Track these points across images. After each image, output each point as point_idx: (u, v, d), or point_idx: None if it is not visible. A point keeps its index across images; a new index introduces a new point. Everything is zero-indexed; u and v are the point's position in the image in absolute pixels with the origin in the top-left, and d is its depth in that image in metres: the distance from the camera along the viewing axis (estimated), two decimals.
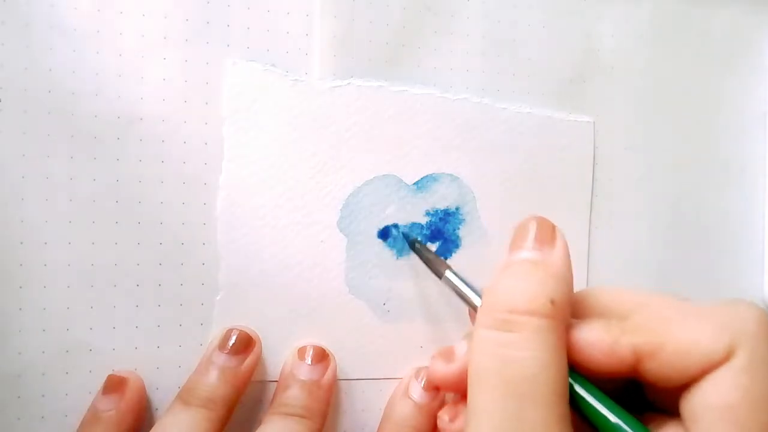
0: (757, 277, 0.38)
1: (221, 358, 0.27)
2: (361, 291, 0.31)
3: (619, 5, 0.35)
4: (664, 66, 0.36)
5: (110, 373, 0.27)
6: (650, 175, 0.36)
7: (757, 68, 0.38)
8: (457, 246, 0.32)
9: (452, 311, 0.31)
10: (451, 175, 0.32)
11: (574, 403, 0.19)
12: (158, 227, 0.28)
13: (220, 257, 0.29)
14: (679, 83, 0.37)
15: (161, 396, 0.28)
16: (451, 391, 0.24)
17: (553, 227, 0.22)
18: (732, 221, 0.37)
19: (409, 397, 0.29)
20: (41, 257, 0.27)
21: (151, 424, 0.27)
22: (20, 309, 0.27)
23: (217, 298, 0.29)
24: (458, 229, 0.32)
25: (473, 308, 0.25)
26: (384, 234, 0.31)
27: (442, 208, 0.32)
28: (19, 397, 0.27)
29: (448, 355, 0.23)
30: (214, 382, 0.26)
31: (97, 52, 0.28)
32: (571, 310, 0.21)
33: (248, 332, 0.28)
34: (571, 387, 0.19)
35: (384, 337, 0.31)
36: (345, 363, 0.30)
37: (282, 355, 0.29)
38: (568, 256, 0.21)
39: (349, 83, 0.31)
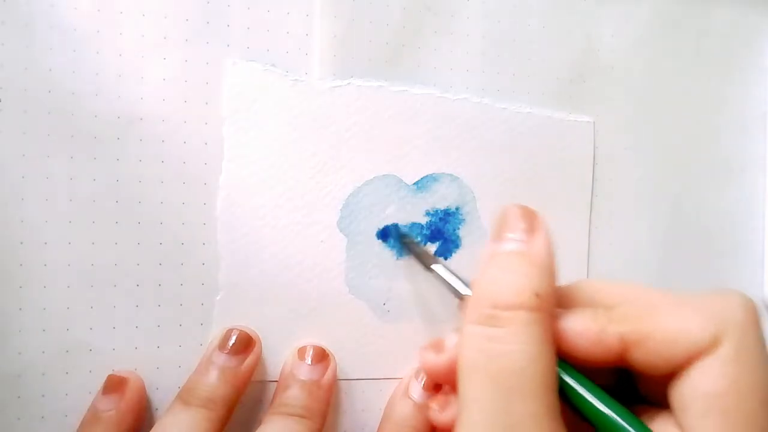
0: (757, 277, 0.38)
1: (221, 358, 0.27)
2: (361, 291, 0.31)
3: (619, 5, 0.35)
4: (664, 66, 0.36)
5: (110, 373, 0.27)
6: (650, 175, 0.36)
7: (757, 68, 0.38)
8: (457, 246, 0.32)
9: (452, 311, 0.31)
10: (451, 175, 0.32)
11: (564, 394, 0.20)
12: (158, 227, 0.28)
13: (220, 257, 0.29)
14: (679, 83, 0.37)
15: (161, 396, 0.28)
16: (440, 382, 0.24)
17: (534, 214, 0.22)
18: (732, 221, 0.37)
19: (409, 397, 0.29)
20: (41, 257, 0.27)
21: (151, 424, 0.27)
22: (20, 309, 0.27)
23: (217, 298, 0.29)
24: (458, 229, 0.32)
25: (461, 299, 0.25)
26: (384, 235, 0.31)
27: (442, 208, 0.32)
28: (19, 397, 0.27)
29: (437, 346, 0.24)
30: (214, 382, 0.26)
31: (97, 52, 0.28)
32: (556, 300, 0.21)
33: (248, 332, 0.28)
34: (560, 378, 0.20)
35: (384, 337, 0.31)
36: (345, 363, 0.30)
37: (282, 355, 0.29)
38: (551, 243, 0.21)
39: (349, 83, 0.31)
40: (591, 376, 0.20)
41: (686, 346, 0.18)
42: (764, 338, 0.19)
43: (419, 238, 0.31)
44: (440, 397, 0.25)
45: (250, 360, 0.28)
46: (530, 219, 0.22)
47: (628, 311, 0.20)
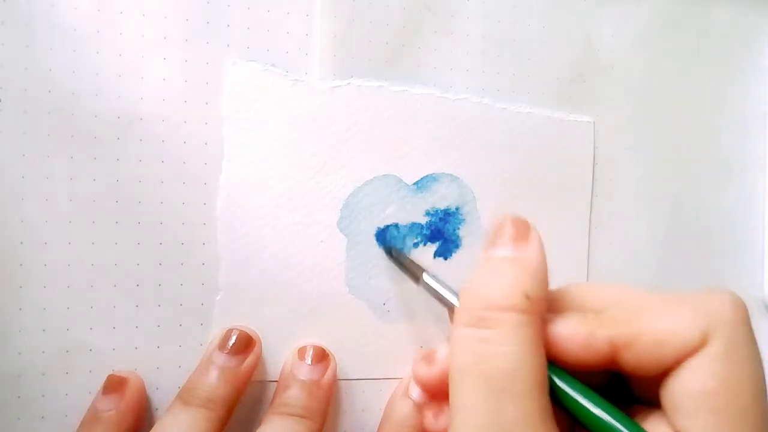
0: (757, 277, 0.38)
1: (221, 358, 0.27)
2: (361, 291, 0.31)
3: (619, 5, 0.35)
4: (664, 66, 0.36)
5: (110, 373, 0.27)
6: (650, 175, 0.36)
7: (757, 68, 0.38)
8: (457, 246, 0.32)
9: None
10: (451, 175, 0.32)
11: (555, 396, 0.20)
12: (158, 227, 0.28)
13: (220, 257, 0.29)
14: (679, 83, 0.37)
15: (161, 396, 0.28)
16: (434, 393, 0.24)
17: (528, 224, 0.22)
18: (732, 221, 0.37)
19: (409, 397, 0.29)
20: (41, 257, 0.27)
21: (151, 424, 0.27)
22: (20, 309, 0.27)
23: (217, 298, 0.29)
24: (458, 229, 0.32)
25: (451, 309, 0.25)
26: (383, 240, 0.31)
27: (442, 208, 0.32)
28: (19, 397, 0.27)
29: (429, 358, 0.24)
30: (214, 382, 0.26)
31: (97, 52, 0.28)
32: (547, 305, 0.21)
33: (248, 332, 0.28)
34: (551, 381, 0.20)
35: (384, 337, 0.31)
36: (345, 363, 0.30)
37: (282, 355, 0.29)
38: (543, 251, 0.21)
39: (349, 83, 0.31)
40: (582, 377, 0.20)
41: (675, 346, 0.18)
42: (754, 335, 0.19)
43: (418, 239, 0.31)
44: (434, 404, 0.25)
45: (250, 360, 0.28)
46: (523, 228, 0.22)
47: (617, 314, 0.20)
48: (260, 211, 0.29)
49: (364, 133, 0.31)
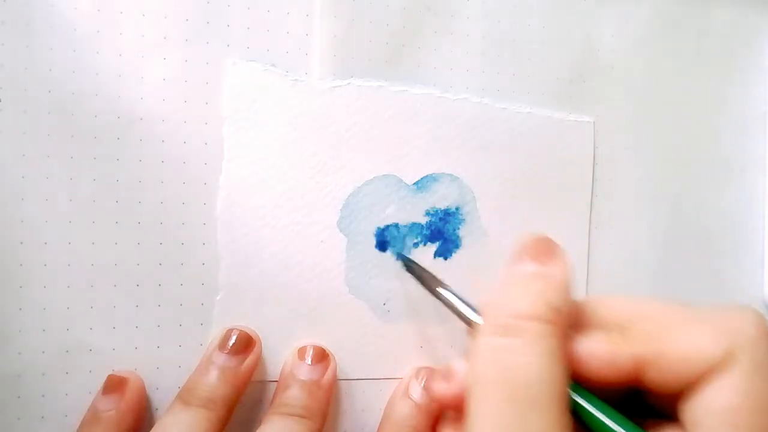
0: (757, 277, 0.38)
1: (221, 358, 0.27)
2: (361, 291, 0.31)
3: (619, 5, 0.35)
4: (664, 66, 0.36)
5: (110, 373, 0.27)
6: (650, 175, 0.36)
7: (757, 68, 0.38)
8: (457, 246, 0.32)
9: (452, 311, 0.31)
10: (451, 175, 0.32)
11: (576, 414, 0.19)
12: (158, 227, 0.28)
13: (220, 257, 0.29)
14: (679, 83, 0.37)
15: (161, 396, 0.28)
16: (453, 410, 0.24)
17: (552, 242, 0.22)
18: (732, 221, 0.37)
19: (409, 397, 0.29)
20: (41, 257, 0.27)
21: (151, 424, 0.27)
22: (20, 309, 0.27)
23: (217, 298, 0.29)
24: (458, 229, 0.32)
25: (468, 324, 0.24)
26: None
27: (442, 208, 0.32)
28: (19, 397, 0.27)
29: (447, 373, 0.23)
30: (214, 382, 0.26)
31: (97, 52, 0.28)
32: (571, 320, 0.21)
33: (248, 332, 0.28)
34: (572, 398, 0.19)
35: (384, 337, 0.31)
36: (345, 363, 0.30)
37: (282, 355, 0.29)
38: (569, 270, 0.21)
39: (349, 83, 0.31)
40: (599, 388, 0.20)
41: (699, 364, 0.18)
42: None
43: (418, 239, 0.31)
44: (450, 424, 0.24)
45: (250, 360, 0.28)
46: (548, 245, 0.22)
47: (641, 331, 0.20)
48: (260, 211, 0.29)
49: (364, 133, 0.31)
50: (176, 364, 0.28)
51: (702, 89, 0.37)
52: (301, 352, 0.29)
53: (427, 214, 0.32)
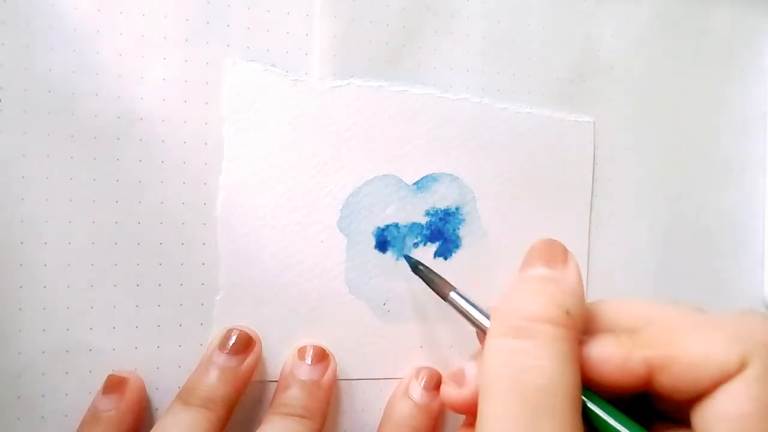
0: (757, 277, 0.38)
1: (221, 358, 0.27)
2: (361, 291, 0.31)
3: (619, 5, 0.35)
4: (664, 66, 0.36)
5: (110, 373, 0.27)
6: (650, 175, 0.36)
7: (757, 68, 0.38)
8: (457, 246, 0.32)
9: (453, 312, 0.31)
10: (451, 175, 0.32)
11: (587, 419, 0.19)
12: (158, 227, 0.28)
13: (220, 257, 0.29)
14: (679, 83, 0.37)
15: (161, 396, 0.28)
16: (465, 414, 0.23)
17: (564, 248, 0.22)
18: (732, 221, 0.37)
19: (409, 397, 0.29)
20: (41, 257, 0.27)
21: (151, 424, 0.27)
22: (20, 309, 0.27)
23: (217, 298, 0.29)
24: (458, 229, 0.32)
25: (480, 329, 0.24)
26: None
27: (442, 208, 0.32)
28: (19, 397, 0.27)
29: (458, 378, 0.23)
30: (214, 382, 0.26)
31: (97, 52, 0.28)
32: (584, 324, 0.20)
33: (248, 332, 0.28)
34: (583, 403, 0.19)
35: (384, 337, 0.31)
36: (345, 363, 0.30)
37: (282, 355, 0.29)
38: (581, 275, 0.21)
39: (349, 83, 0.31)
40: (608, 393, 0.20)
41: (712, 370, 0.18)
42: None
43: (418, 239, 0.31)
44: (463, 430, 0.24)
45: (250, 360, 0.28)
46: (559, 250, 0.22)
47: (652, 336, 0.20)
48: (260, 211, 0.29)
49: (364, 133, 0.31)
50: (176, 364, 0.28)
51: (702, 89, 0.37)
52: (301, 352, 0.29)
53: (427, 214, 0.32)
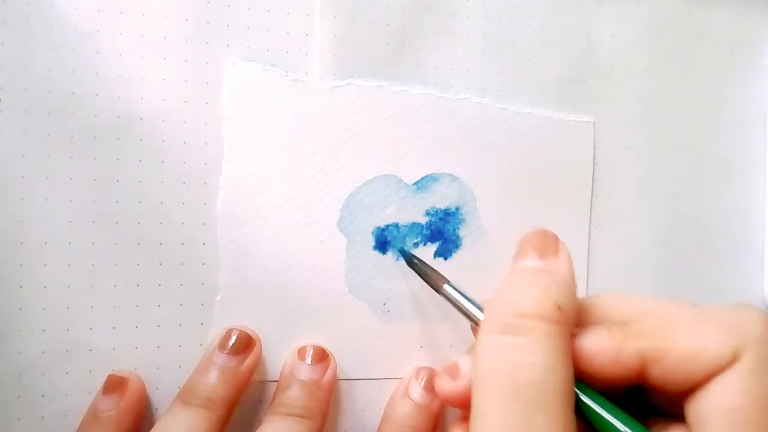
0: (757, 277, 0.38)
1: (221, 358, 0.27)
2: (361, 291, 0.31)
3: (619, 5, 0.35)
4: (664, 66, 0.36)
5: (110, 373, 0.27)
6: (650, 175, 0.36)
7: (757, 68, 0.38)
8: (457, 246, 0.32)
9: (452, 311, 0.31)
10: (451, 175, 0.32)
11: (580, 412, 0.19)
12: (158, 227, 0.28)
13: (220, 257, 0.29)
14: (679, 83, 0.37)
15: (161, 396, 0.28)
16: (459, 407, 0.23)
17: (556, 238, 0.22)
18: (732, 221, 0.37)
19: (409, 397, 0.29)
20: (41, 257, 0.27)
21: (151, 424, 0.27)
22: (20, 309, 0.27)
23: (217, 298, 0.29)
24: (458, 229, 0.32)
25: (473, 321, 0.25)
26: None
27: (442, 208, 0.32)
28: (19, 397, 0.27)
29: (452, 371, 0.23)
30: (214, 382, 0.26)
31: (97, 52, 0.28)
32: (576, 317, 0.21)
33: (248, 332, 0.28)
34: (576, 396, 0.19)
35: (384, 337, 0.31)
36: (345, 363, 0.30)
37: (282, 355, 0.29)
38: (572, 265, 0.21)
39: (349, 83, 0.31)
40: (602, 387, 0.20)
41: (705, 362, 0.18)
42: None
43: (418, 239, 0.31)
44: (459, 424, 0.24)
45: (250, 360, 0.28)
46: (552, 241, 0.22)
47: (645, 327, 0.20)
48: (260, 211, 0.29)
49: (364, 133, 0.31)
50: (176, 364, 0.28)
51: (702, 89, 0.37)
52: (301, 352, 0.29)
53: (427, 214, 0.32)
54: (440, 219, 0.32)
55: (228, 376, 0.27)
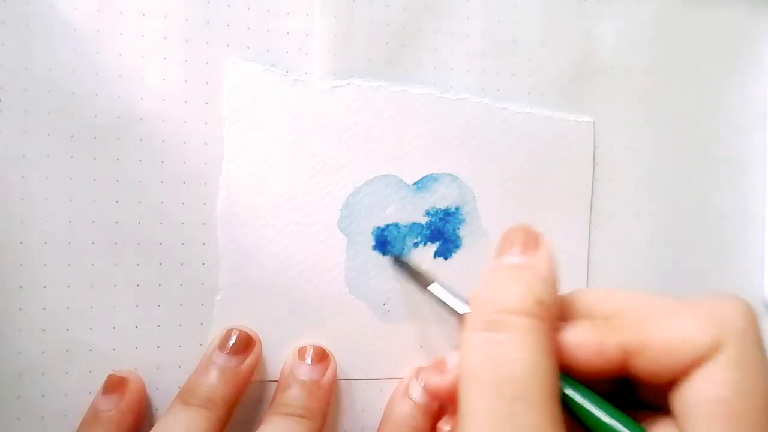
0: (757, 277, 0.38)
1: (221, 358, 0.27)
2: (361, 291, 0.31)
3: (619, 5, 0.35)
4: (664, 66, 0.36)
5: (110, 373, 0.28)
6: (650, 175, 0.36)
7: (757, 68, 0.38)
8: (457, 246, 0.32)
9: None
10: (451, 175, 0.32)
11: (567, 406, 0.19)
12: (158, 227, 0.28)
13: (220, 257, 0.29)
14: (679, 83, 0.37)
15: (161, 396, 0.28)
16: (447, 402, 0.24)
17: (537, 234, 0.22)
18: (732, 221, 0.37)
19: (409, 397, 0.29)
20: (41, 257, 0.27)
21: (151, 424, 0.27)
22: (20, 309, 0.27)
23: (217, 298, 0.29)
24: (458, 229, 0.32)
25: (459, 318, 0.25)
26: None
27: (442, 208, 0.32)
28: (19, 397, 0.27)
29: (440, 366, 0.23)
30: (214, 382, 0.26)
31: (97, 52, 0.28)
32: (558, 312, 0.21)
33: (248, 332, 0.28)
34: (563, 390, 0.19)
35: (384, 337, 0.31)
36: (345, 363, 0.30)
37: (282, 355, 0.29)
38: (553, 260, 0.22)
39: (349, 83, 0.31)
40: (591, 382, 0.20)
41: (687, 354, 0.18)
42: (764, 343, 0.19)
43: (418, 239, 0.31)
44: (449, 418, 0.24)
45: (250, 360, 0.28)
46: (533, 237, 0.22)
47: (627, 321, 0.20)
48: (260, 211, 0.29)
49: (364, 133, 0.31)
50: (176, 364, 0.28)
51: (702, 89, 0.37)
52: (301, 352, 0.29)
53: (427, 214, 0.32)
54: (440, 219, 0.32)
55: (228, 376, 0.27)
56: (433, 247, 0.32)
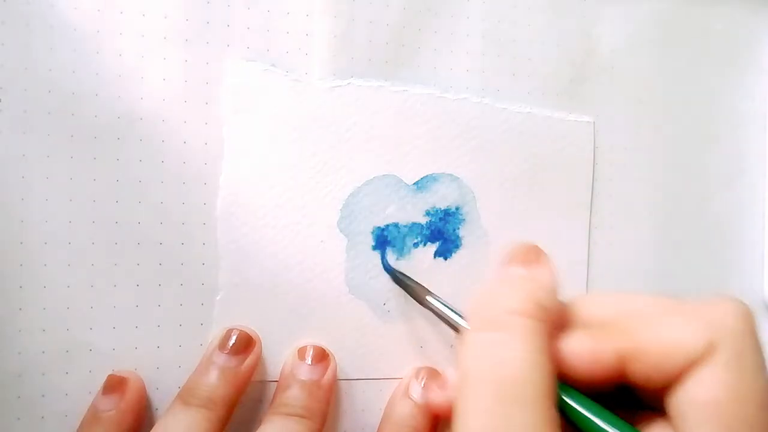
0: (757, 277, 0.38)
1: (221, 358, 0.27)
2: (361, 291, 0.31)
3: (619, 5, 0.35)
4: (664, 66, 0.36)
5: (110, 373, 0.28)
6: (650, 175, 0.36)
7: (757, 68, 0.38)
8: (457, 246, 0.32)
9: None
10: (451, 175, 0.32)
11: (564, 413, 0.19)
12: (158, 227, 0.28)
13: (220, 257, 0.29)
14: (679, 83, 0.37)
15: (161, 396, 0.28)
16: (449, 416, 0.24)
17: (540, 249, 0.23)
18: (732, 221, 0.37)
19: (409, 397, 0.29)
20: (41, 257, 0.27)
21: (151, 424, 0.27)
22: (20, 309, 0.27)
23: (217, 298, 0.29)
24: (458, 229, 0.32)
25: (457, 330, 0.25)
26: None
27: (442, 208, 0.32)
28: (19, 397, 0.27)
29: (441, 382, 0.24)
30: (214, 382, 0.26)
31: (97, 52, 0.28)
32: (559, 318, 0.21)
33: (248, 332, 0.28)
34: (560, 397, 0.19)
35: (384, 337, 0.31)
36: (345, 363, 0.30)
37: (282, 355, 0.29)
38: (555, 273, 0.22)
39: (349, 83, 0.31)
40: (586, 385, 0.20)
41: (682, 356, 0.18)
42: (760, 344, 0.19)
43: (418, 239, 0.31)
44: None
45: (250, 360, 0.28)
46: (535, 252, 0.22)
47: (622, 326, 0.20)
48: (260, 211, 0.29)
49: (364, 133, 0.31)
50: (176, 364, 0.28)
51: (702, 89, 0.37)
52: (301, 352, 0.29)
53: (427, 214, 0.32)
54: (440, 219, 0.32)
55: (228, 376, 0.27)
56: (433, 247, 0.32)
